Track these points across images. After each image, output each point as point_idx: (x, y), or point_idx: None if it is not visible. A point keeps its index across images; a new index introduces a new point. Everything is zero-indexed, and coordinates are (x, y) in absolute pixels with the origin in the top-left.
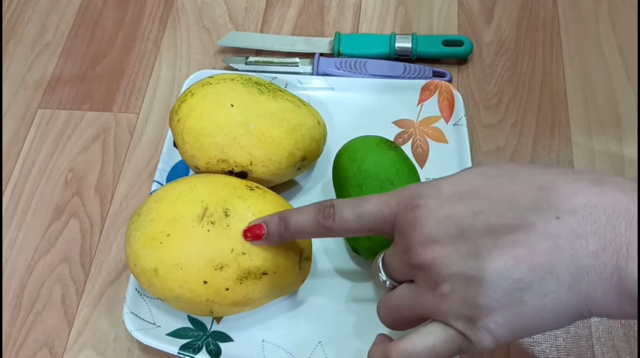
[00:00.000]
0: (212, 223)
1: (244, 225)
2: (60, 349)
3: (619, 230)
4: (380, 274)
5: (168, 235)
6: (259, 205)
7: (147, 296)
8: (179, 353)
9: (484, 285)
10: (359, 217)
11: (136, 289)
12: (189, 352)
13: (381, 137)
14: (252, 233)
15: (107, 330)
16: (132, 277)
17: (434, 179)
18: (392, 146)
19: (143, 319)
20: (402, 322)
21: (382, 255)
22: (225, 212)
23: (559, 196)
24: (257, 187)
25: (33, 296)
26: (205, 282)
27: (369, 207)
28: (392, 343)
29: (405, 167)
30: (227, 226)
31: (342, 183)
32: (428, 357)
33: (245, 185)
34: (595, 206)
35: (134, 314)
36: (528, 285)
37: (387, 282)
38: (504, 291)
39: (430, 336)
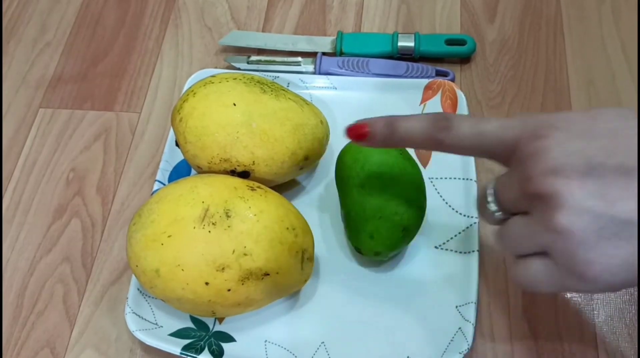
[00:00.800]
0: (213, 223)
1: (245, 226)
2: (61, 349)
3: None
4: (489, 204)
5: (169, 236)
6: (260, 205)
7: (149, 297)
8: (181, 353)
9: (606, 227)
10: (478, 135)
11: (138, 289)
12: (192, 352)
13: None
14: (355, 132)
15: (109, 330)
16: (134, 277)
17: (565, 111)
18: None
19: (145, 319)
20: (520, 252)
21: (492, 185)
22: (227, 213)
23: None
24: (259, 187)
25: (34, 296)
26: (206, 283)
27: (490, 127)
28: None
29: (409, 166)
30: (229, 226)
31: (345, 183)
32: (534, 287)
33: (247, 185)
34: None
35: (136, 314)
36: None
37: (498, 213)
38: (627, 237)
39: (535, 267)
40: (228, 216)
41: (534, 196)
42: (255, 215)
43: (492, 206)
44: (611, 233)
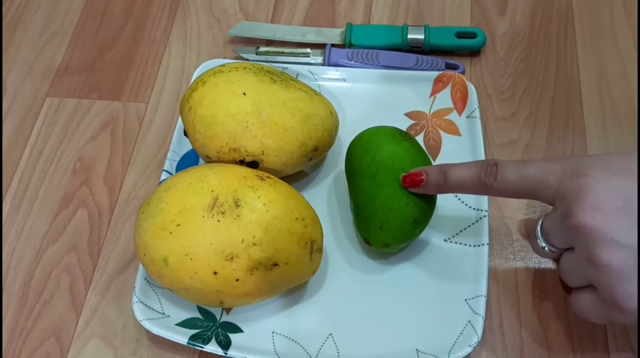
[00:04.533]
0: (222, 213)
1: (254, 215)
2: (67, 339)
3: None
4: (538, 240)
5: (178, 225)
6: (270, 195)
7: (157, 286)
8: (188, 343)
9: None
10: (521, 179)
11: (145, 278)
12: (199, 343)
13: (396, 128)
14: (411, 180)
15: (115, 320)
16: (141, 266)
17: (603, 154)
18: (407, 137)
19: (152, 309)
20: (575, 284)
21: (540, 222)
22: (236, 202)
23: None
24: (268, 177)
25: (41, 285)
26: (215, 273)
27: (532, 170)
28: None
29: (420, 158)
30: (238, 216)
31: (356, 173)
32: (584, 318)
33: (256, 175)
34: None
35: (143, 304)
36: None
37: (546, 248)
38: None
39: (584, 299)
40: (237, 206)
41: (575, 230)
42: (264, 205)
43: (541, 242)
44: None
